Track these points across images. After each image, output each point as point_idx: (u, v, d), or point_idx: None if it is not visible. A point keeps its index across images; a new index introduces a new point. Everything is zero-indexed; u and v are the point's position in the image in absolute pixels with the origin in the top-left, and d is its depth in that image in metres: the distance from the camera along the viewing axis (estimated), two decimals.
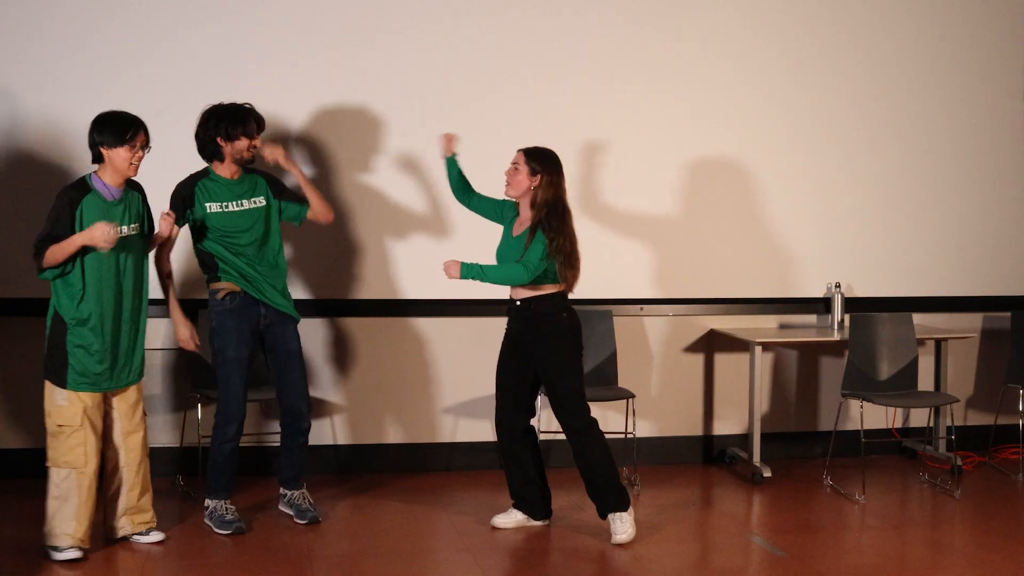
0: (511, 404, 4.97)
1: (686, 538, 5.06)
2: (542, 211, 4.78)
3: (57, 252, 4.34)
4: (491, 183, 5.84)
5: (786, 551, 4.73)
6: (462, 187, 5.15)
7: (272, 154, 4.96)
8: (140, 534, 4.69)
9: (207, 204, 4.81)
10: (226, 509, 4.86)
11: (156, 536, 4.71)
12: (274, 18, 5.69)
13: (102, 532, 4.66)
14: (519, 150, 4.88)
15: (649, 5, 6.05)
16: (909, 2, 6.35)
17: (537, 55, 5.93)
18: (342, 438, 5.94)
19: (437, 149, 5.17)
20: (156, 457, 5.64)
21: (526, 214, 4.87)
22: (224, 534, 4.78)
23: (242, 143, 4.81)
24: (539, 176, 4.80)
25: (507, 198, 4.96)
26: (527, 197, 4.85)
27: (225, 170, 4.87)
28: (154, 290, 5.52)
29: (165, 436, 5.72)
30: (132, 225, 4.53)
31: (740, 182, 6.18)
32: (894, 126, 6.35)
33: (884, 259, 6.39)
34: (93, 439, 4.46)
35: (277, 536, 4.86)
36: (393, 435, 6.00)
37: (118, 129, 4.43)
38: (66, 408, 4.42)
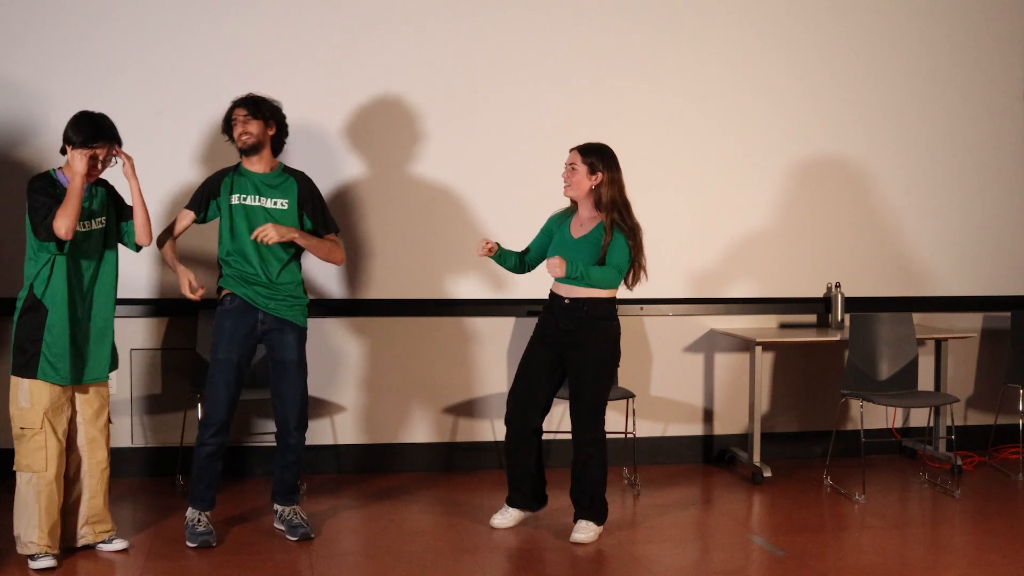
0: (529, 401, 4.89)
1: (686, 538, 5.06)
2: (613, 212, 4.72)
3: (69, 208, 4.24)
4: (495, 181, 5.88)
5: (786, 551, 4.73)
6: (519, 264, 4.99)
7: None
8: (104, 543, 4.60)
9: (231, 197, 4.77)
10: (199, 520, 4.71)
11: (120, 544, 4.62)
12: (277, 15, 5.68)
13: (63, 540, 4.52)
14: (572, 149, 4.80)
15: (649, 5, 6.05)
16: (910, 3, 6.35)
17: (538, 55, 5.93)
18: (342, 438, 5.94)
19: (474, 249, 4.96)
20: (158, 456, 5.67)
21: (587, 213, 4.79)
22: (191, 546, 4.65)
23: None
24: (599, 174, 4.73)
25: (567, 201, 4.88)
26: (588, 197, 4.78)
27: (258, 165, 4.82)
28: (155, 291, 5.53)
29: (165, 436, 5.72)
30: (97, 219, 4.46)
31: (740, 182, 6.18)
32: (894, 126, 6.36)
33: (884, 259, 6.39)
34: (55, 442, 4.38)
35: (266, 552, 4.85)
36: (394, 435, 6.00)
37: (85, 133, 4.34)
38: (28, 411, 4.35)
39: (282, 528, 4.86)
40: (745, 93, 6.17)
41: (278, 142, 4.85)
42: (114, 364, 4.62)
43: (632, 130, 5.99)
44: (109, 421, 4.61)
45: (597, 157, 4.75)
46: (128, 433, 5.74)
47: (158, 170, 5.36)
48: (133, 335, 5.69)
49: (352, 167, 5.78)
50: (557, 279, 4.76)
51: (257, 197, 4.74)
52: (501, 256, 4.90)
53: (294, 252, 4.81)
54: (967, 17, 6.42)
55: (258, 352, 4.93)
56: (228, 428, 4.74)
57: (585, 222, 4.81)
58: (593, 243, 4.73)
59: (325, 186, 5.72)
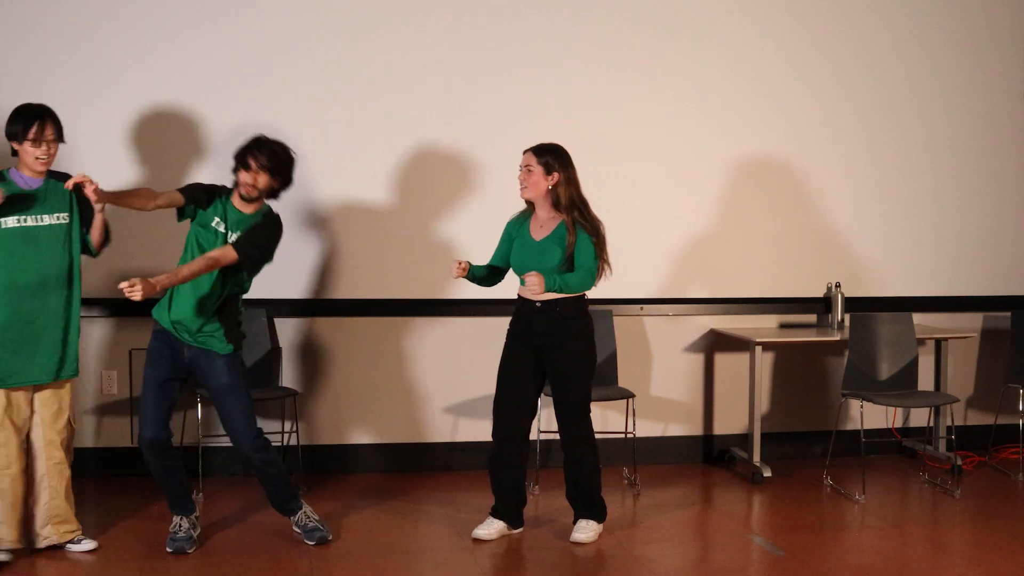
0: (515, 408, 4.87)
1: (686, 538, 5.06)
2: (573, 211, 4.71)
3: None
4: (491, 181, 5.88)
5: (786, 551, 4.73)
6: (490, 274, 4.95)
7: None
8: (72, 543, 4.57)
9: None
10: (179, 526, 4.68)
11: (88, 544, 4.58)
12: (277, 15, 5.68)
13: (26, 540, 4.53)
14: (526, 151, 4.79)
15: (649, 5, 6.04)
16: (909, 3, 6.34)
17: (537, 55, 5.93)
18: (341, 438, 5.94)
19: (449, 272, 4.91)
20: None
21: (546, 214, 4.78)
22: (168, 551, 4.61)
23: None
24: (556, 174, 4.72)
25: (523, 203, 4.86)
26: (546, 198, 4.77)
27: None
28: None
29: None
30: (57, 215, 4.40)
31: (740, 182, 6.18)
32: (894, 126, 6.36)
33: (884, 259, 6.39)
34: (15, 440, 4.36)
35: (267, 552, 4.85)
36: (392, 435, 6.00)
37: (21, 123, 4.30)
38: None
39: (299, 532, 4.83)
40: (745, 93, 6.17)
41: (275, 193, 4.72)
42: (68, 369, 4.49)
43: (632, 130, 5.99)
44: (71, 424, 4.55)
45: (552, 157, 4.74)
46: (128, 433, 5.74)
47: (156, 169, 5.36)
48: (133, 335, 5.69)
49: (353, 167, 5.77)
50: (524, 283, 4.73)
51: (228, 231, 4.61)
52: (472, 274, 4.86)
53: (212, 284, 4.57)
54: (967, 17, 6.42)
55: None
56: (164, 445, 4.60)
57: (545, 223, 4.79)
58: (557, 243, 4.71)
59: (327, 186, 5.74)
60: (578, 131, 5.89)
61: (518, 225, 4.88)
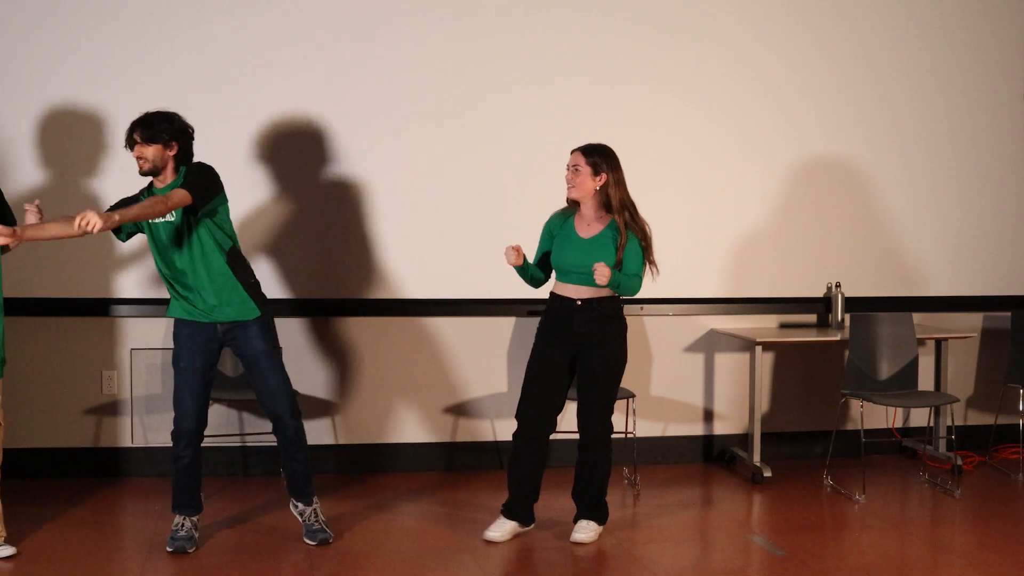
0: (546, 408, 4.80)
1: (686, 538, 5.06)
2: (624, 213, 4.71)
3: None
4: (494, 182, 5.88)
5: (786, 551, 4.73)
6: (537, 275, 4.89)
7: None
8: None
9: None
10: (181, 525, 4.66)
11: (6, 551, 4.45)
12: (278, 16, 5.68)
13: None
14: (574, 150, 4.77)
15: (651, 4, 6.04)
16: (910, 3, 6.34)
17: (540, 54, 5.92)
18: (343, 438, 5.94)
19: (505, 257, 4.75)
20: (159, 456, 5.66)
21: (593, 214, 4.76)
22: (168, 550, 4.59)
23: None
24: (604, 175, 4.71)
25: (561, 202, 4.83)
26: (593, 198, 4.75)
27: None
28: (154, 290, 5.52)
29: (165, 436, 5.69)
30: None
31: (741, 182, 6.18)
32: (894, 125, 6.35)
33: (884, 259, 6.39)
34: None
35: (268, 552, 4.86)
36: (394, 435, 6.00)
37: None
38: None
39: (303, 526, 4.80)
40: (746, 93, 6.16)
41: (184, 156, 4.53)
42: None
43: (632, 130, 5.97)
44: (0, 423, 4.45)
45: (600, 157, 4.73)
46: (128, 433, 5.74)
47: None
48: (133, 335, 5.69)
49: (354, 167, 5.77)
50: (565, 281, 4.74)
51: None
52: (524, 268, 4.82)
53: (203, 251, 4.53)
54: (968, 16, 6.41)
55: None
56: (200, 437, 4.64)
57: (592, 223, 4.78)
58: (606, 244, 4.70)
59: (329, 185, 5.73)
60: (578, 131, 5.89)
61: (560, 221, 4.85)
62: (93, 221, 4.00)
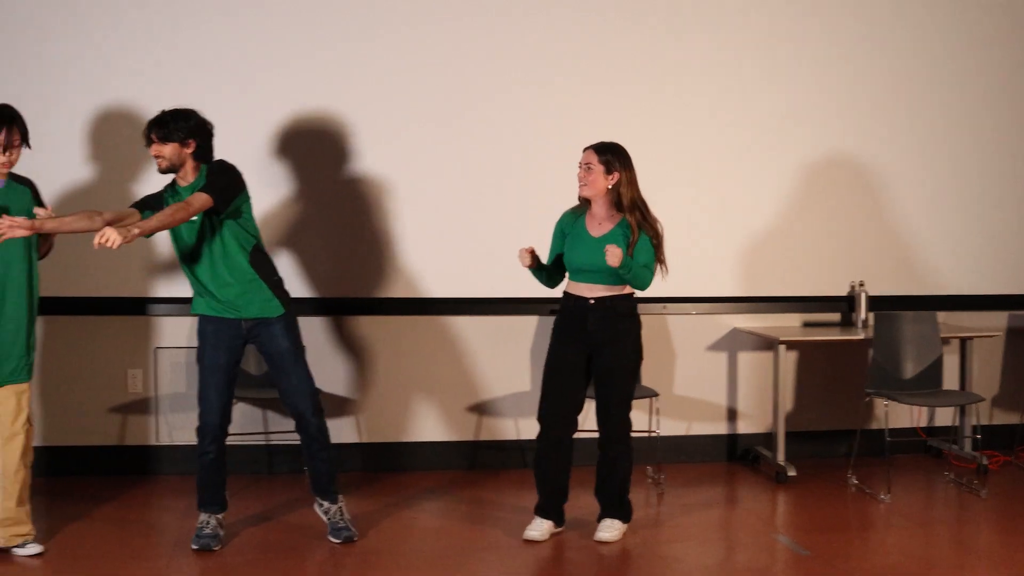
0: (566, 408, 4.80)
1: (711, 537, 5.05)
2: (635, 212, 4.70)
3: None
4: (495, 182, 5.87)
5: (811, 550, 4.72)
6: (554, 275, 4.90)
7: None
8: (18, 547, 4.44)
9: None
10: (206, 523, 4.67)
11: (34, 549, 4.46)
12: (278, 16, 5.69)
13: None
14: (587, 148, 4.76)
15: (651, 4, 6.02)
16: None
17: (542, 53, 5.90)
18: (364, 436, 5.95)
19: (520, 259, 4.79)
20: (183, 454, 5.68)
21: (604, 212, 4.76)
22: (193, 548, 4.60)
23: None
24: (616, 173, 4.70)
25: (572, 201, 4.83)
26: (605, 196, 4.75)
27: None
28: (180, 289, 5.54)
29: (190, 434, 5.72)
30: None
31: (763, 181, 6.16)
32: (917, 123, 6.32)
33: (908, 257, 6.35)
34: None
35: (289, 550, 4.87)
36: (417, 433, 6.01)
37: None
38: None
39: (325, 519, 4.83)
40: (766, 90, 6.14)
41: (203, 153, 4.55)
42: (20, 374, 4.40)
43: (651, 128, 5.96)
44: (29, 424, 4.43)
45: (613, 155, 4.72)
46: (153, 431, 5.77)
47: (148, 172, 5.36)
48: (157, 333, 5.72)
49: (366, 166, 5.78)
50: (578, 280, 4.74)
51: None
52: (540, 269, 4.83)
53: (226, 250, 4.55)
54: (990, 13, 6.36)
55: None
56: (225, 433, 4.66)
57: (603, 221, 4.77)
58: (617, 242, 4.69)
59: (339, 184, 5.74)
60: (591, 130, 5.88)
61: (572, 220, 4.85)
62: (112, 238, 4.01)
